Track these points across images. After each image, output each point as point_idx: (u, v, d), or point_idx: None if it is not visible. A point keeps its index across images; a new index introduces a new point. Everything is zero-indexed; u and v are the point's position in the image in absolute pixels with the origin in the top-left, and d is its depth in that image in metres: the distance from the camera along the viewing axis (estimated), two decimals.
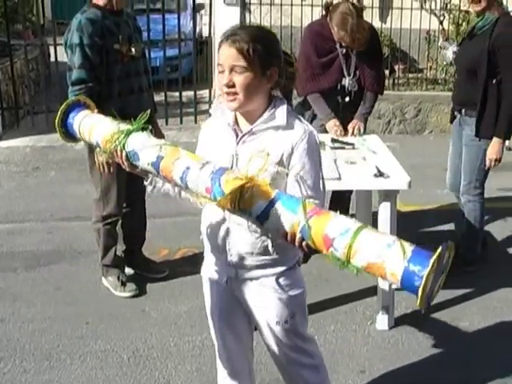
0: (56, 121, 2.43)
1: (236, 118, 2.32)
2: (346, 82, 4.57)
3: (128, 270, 4.45)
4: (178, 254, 4.80)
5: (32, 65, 9.19)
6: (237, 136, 2.30)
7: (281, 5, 8.89)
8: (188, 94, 8.50)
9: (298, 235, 1.96)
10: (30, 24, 9.89)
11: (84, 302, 4.18)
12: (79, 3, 6.64)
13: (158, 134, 3.87)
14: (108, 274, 4.30)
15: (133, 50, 3.87)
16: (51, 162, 7.09)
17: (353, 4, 4.44)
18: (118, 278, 4.26)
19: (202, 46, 9.94)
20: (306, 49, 4.59)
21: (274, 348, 2.62)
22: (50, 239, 5.12)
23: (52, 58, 8.69)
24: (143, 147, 2.19)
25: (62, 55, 7.64)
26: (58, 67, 7.80)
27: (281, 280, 2.42)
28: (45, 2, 8.61)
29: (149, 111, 2.27)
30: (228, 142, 2.30)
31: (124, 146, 2.22)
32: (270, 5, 8.96)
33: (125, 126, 2.26)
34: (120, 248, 4.39)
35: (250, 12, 9.30)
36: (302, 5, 8.76)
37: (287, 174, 2.23)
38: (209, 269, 2.59)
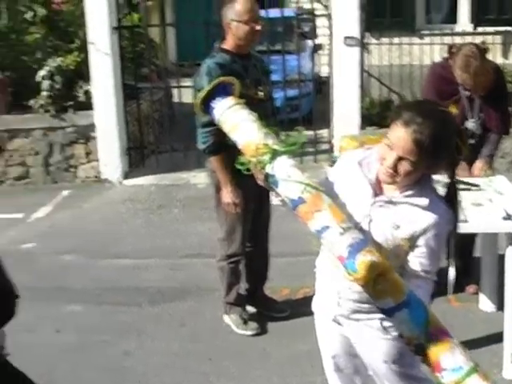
0: (198, 101, 2.38)
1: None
2: (469, 124, 4.48)
3: (250, 309, 4.49)
4: (299, 293, 4.79)
5: (156, 106, 9.54)
6: (375, 194, 2.29)
7: (400, 44, 8.87)
8: (308, 134, 8.56)
9: (412, 347, 2.08)
10: (154, 67, 10.28)
11: (207, 338, 4.25)
12: (202, 46, 6.88)
13: None
14: (231, 311, 4.36)
15: (260, 93, 3.95)
16: (174, 200, 7.28)
17: (476, 46, 4.31)
18: (241, 315, 4.31)
19: (321, 85, 10.01)
20: (428, 92, 4.52)
21: None
22: (173, 275, 5.25)
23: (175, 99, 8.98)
24: (287, 178, 2.15)
25: (184, 96, 7.87)
26: (181, 108, 8.05)
27: (386, 322, 2.38)
28: (168, 46, 8.93)
29: (303, 135, 2.26)
30: (363, 195, 2.29)
31: (267, 165, 2.18)
32: (390, 44, 8.95)
33: (272, 142, 2.21)
34: (243, 286, 4.44)
35: (368, 52, 9.32)
36: (421, 43, 8.70)
37: (410, 247, 2.27)
38: (318, 304, 2.63)
